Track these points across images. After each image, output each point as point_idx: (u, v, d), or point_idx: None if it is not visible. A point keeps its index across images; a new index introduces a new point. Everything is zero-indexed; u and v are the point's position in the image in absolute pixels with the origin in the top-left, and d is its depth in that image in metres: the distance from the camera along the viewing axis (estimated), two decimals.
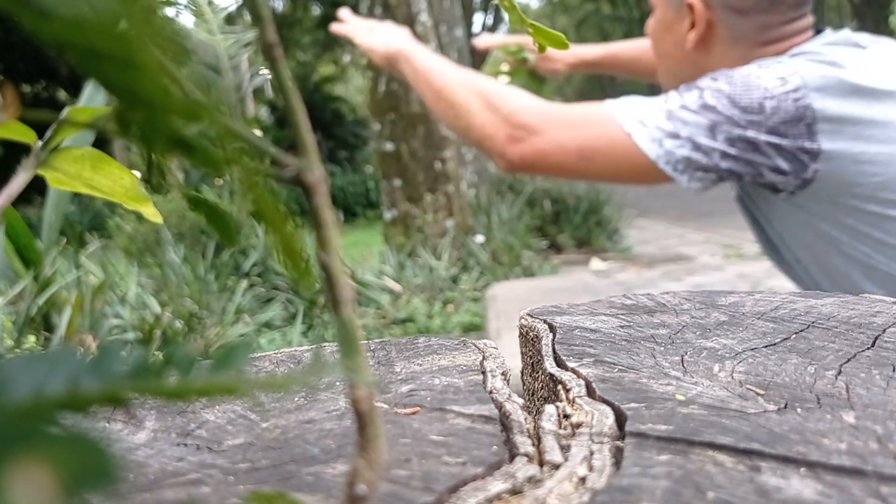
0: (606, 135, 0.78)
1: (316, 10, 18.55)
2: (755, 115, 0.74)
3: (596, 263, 4.95)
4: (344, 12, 1.09)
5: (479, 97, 0.83)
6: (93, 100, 2.37)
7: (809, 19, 0.85)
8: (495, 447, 0.21)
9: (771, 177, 0.77)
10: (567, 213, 5.59)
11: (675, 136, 0.75)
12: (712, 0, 0.83)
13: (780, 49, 0.83)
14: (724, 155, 0.75)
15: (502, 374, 0.27)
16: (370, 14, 4.61)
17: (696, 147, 0.75)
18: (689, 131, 0.75)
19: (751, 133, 0.74)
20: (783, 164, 0.75)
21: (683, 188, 0.79)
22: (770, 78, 0.75)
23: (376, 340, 0.32)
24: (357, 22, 1.05)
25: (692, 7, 0.84)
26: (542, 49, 0.26)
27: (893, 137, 0.74)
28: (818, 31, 0.86)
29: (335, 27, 1.09)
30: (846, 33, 0.83)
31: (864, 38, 0.84)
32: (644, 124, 0.77)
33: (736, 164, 0.75)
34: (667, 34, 0.90)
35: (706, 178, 0.77)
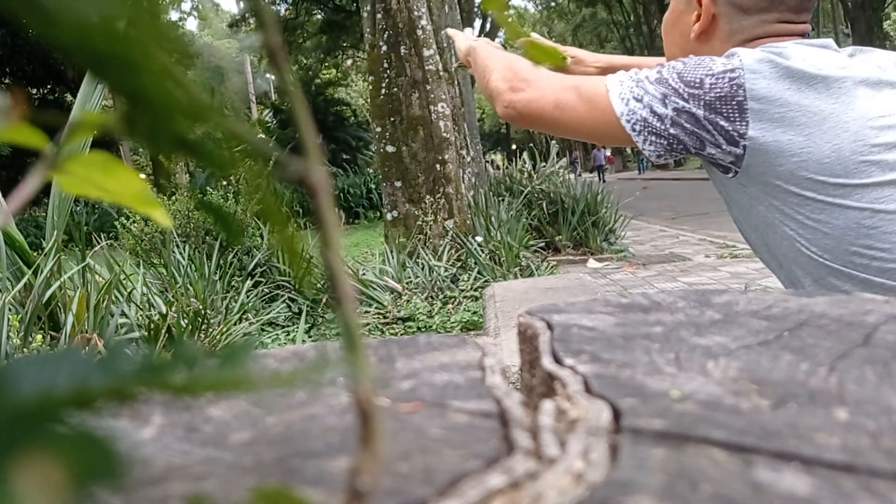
0: (587, 89, 0.89)
1: (318, 15, 18.55)
2: (696, 89, 0.82)
3: (593, 263, 4.96)
4: (449, 31, 1.35)
5: (505, 61, 0.98)
6: (88, 99, 2.38)
7: (805, 27, 0.91)
8: (495, 442, 0.21)
9: (710, 150, 0.84)
10: (564, 214, 5.61)
11: (638, 99, 0.85)
12: None
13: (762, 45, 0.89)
14: (673, 122, 0.83)
15: (501, 370, 0.27)
16: (371, 19, 4.62)
17: (653, 112, 0.84)
18: (649, 98, 0.84)
19: (691, 105, 0.82)
20: (719, 139, 0.82)
21: (639, 150, 0.87)
22: (718, 62, 0.83)
23: (378, 339, 0.33)
24: (455, 33, 1.26)
25: (700, 0, 0.92)
26: (535, 62, 0.27)
27: (813, 121, 0.79)
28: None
29: (451, 31, 1.30)
30: (829, 41, 0.88)
31: (851, 49, 0.89)
32: (620, 84, 0.87)
33: (683, 132, 0.83)
34: (675, 25, 0.98)
35: (658, 143, 0.85)
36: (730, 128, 0.81)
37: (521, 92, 0.92)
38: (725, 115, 0.81)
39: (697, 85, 0.82)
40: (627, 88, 0.86)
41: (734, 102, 0.80)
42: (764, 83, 0.79)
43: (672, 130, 0.84)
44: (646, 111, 0.84)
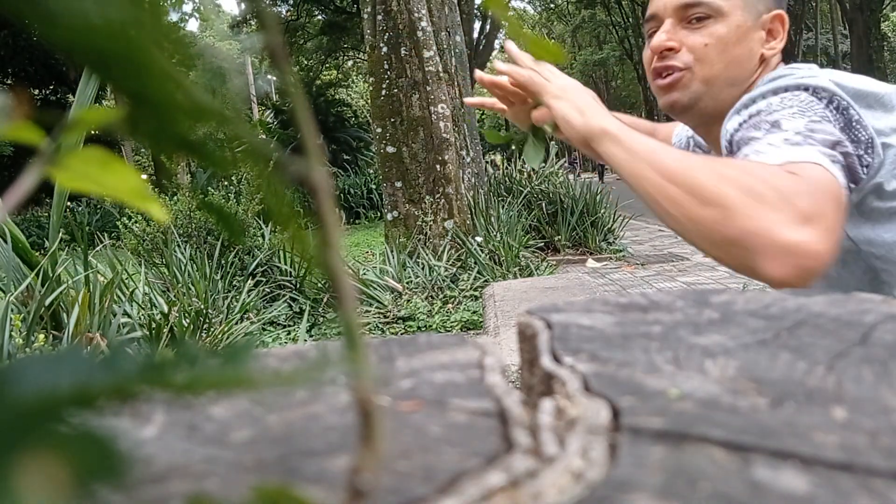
0: (834, 186, 0.64)
1: (319, 16, 18.62)
2: (831, 125, 0.72)
3: (592, 263, 4.97)
4: (510, 45, 0.87)
5: (728, 179, 0.63)
6: (86, 98, 2.39)
7: None
8: (494, 440, 0.21)
9: (854, 178, 0.75)
10: (564, 214, 5.62)
11: (835, 161, 0.67)
12: (785, 17, 0.88)
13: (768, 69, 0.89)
14: (846, 155, 0.72)
15: (501, 369, 0.27)
16: (372, 20, 4.63)
17: (845, 156, 0.71)
18: (838, 153, 0.69)
19: (849, 147, 0.72)
20: (860, 173, 0.75)
21: None
22: (807, 96, 0.75)
23: (378, 338, 0.33)
24: (531, 66, 0.81)
25: (782, 19, 0.87)
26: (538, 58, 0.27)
27: (889, 129, 0.77)
28: None
29: (499, 72, 0.87)
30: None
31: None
32: (822, 156, 0.66)
33: (848, 170, 0.72)
34: (743, 41, 0.86)
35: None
36: (872, 154, 0.74)
37: (818, 242, 0.58)
38: (856, 141, 0.73)
39: (828, 119, 0.72)
40: (819, 151, 0.66)
41: (854, 122, 0.74)
42: (853, 102, 0.76)
43: (846, 175, 0.70)
44: (843, 175, 0.68)
